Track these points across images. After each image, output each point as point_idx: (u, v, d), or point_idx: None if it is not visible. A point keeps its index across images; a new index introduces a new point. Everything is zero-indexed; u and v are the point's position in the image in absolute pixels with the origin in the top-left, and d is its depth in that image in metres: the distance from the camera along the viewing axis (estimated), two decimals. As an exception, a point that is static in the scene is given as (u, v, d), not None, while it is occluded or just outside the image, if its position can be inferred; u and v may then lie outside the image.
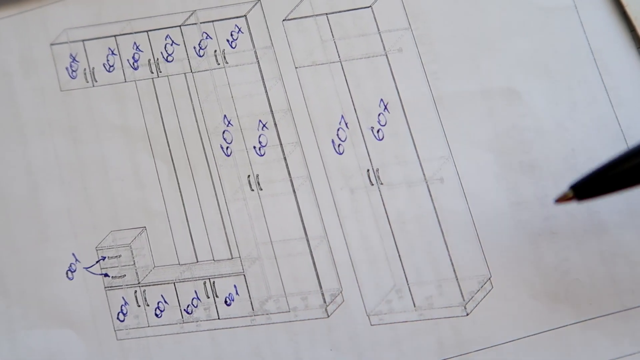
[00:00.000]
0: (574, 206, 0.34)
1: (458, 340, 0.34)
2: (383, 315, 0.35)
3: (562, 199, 0.28)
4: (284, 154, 0.37)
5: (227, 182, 0.37)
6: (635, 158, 0.27)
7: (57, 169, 0.38)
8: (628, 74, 0.35)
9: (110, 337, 0.36)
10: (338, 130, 0.36)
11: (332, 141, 0.36)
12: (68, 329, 0.36)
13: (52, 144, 0.38)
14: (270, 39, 0.37)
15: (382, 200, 0.36)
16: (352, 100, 0.36)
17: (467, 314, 0.34)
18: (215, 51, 0.38)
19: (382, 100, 0.36)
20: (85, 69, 0.38)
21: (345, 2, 0.37)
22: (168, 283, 0.36)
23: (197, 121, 0.37)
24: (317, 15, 0.37)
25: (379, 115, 0.36)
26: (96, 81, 0.38)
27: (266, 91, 0.37)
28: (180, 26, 0.38)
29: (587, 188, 0.28)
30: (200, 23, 0.38)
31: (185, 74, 0.38)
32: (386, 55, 0.36)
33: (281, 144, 0.37)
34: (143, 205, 0.37)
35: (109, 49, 0.38)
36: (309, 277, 0.36)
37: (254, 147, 0.37)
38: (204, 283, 0.36)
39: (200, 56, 0.38)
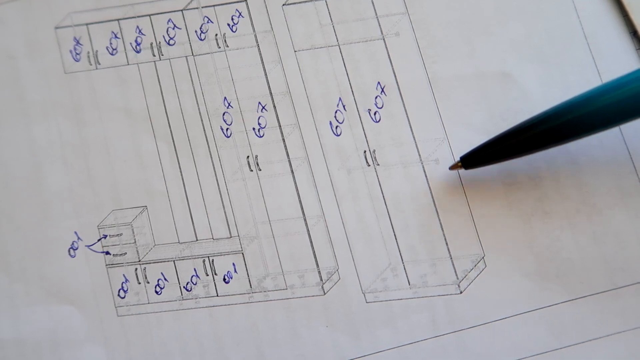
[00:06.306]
0: (567, 187, 0.35)
1: (451, 317, 0.35)
2: (378, 293, 0.35)
3: (454, 167, 0.35)
4: (282, 135, 0.37)
5: (227, 162, 0.37)
6: (507, 140, 0.33)
7: (61, 149, 0.38)
8: (621, 57, 0.35)
9: (111, 313, 0.36)
10: (336, 112, 0.37)
11: (330, 123, 0.37)
12: (70, 306, 0.36)
13: (56, 125, 0.38)
14: (270, 23, 0.38)
15: (379, 181, 0.36)
16: (350, 83, 0.37)
17: (461, 292, 0.35)
18: (216, 35, 0.38)
19: (379, 83, 0.37)
20: (88, 52, 0.39)
21: (343, -14, 0.37)
22: (168, 261, 0.37)
23: (197, 103, 0.38)
24: (316, 0, 0.38)
25: (376, 97, 0.37)
26: (99, 64, 0.38)
27: (266, 74, 0.37)
28: (182, 10, 0.38)
29: (471, 160, 0.34)
30: (202, 7, 0.38)
31: (186, 57, 0.38)
32: (383, 39, 0.37)
33: (280, 126, 0.37)
34: (144, 185, 0.37)
35: (112, 32, 0.39)
36: (306, 256, 0.36)
37: (254, 129, 0.37)
38: (203, 261, 0.37)
39: (201, 40, 0.38)
